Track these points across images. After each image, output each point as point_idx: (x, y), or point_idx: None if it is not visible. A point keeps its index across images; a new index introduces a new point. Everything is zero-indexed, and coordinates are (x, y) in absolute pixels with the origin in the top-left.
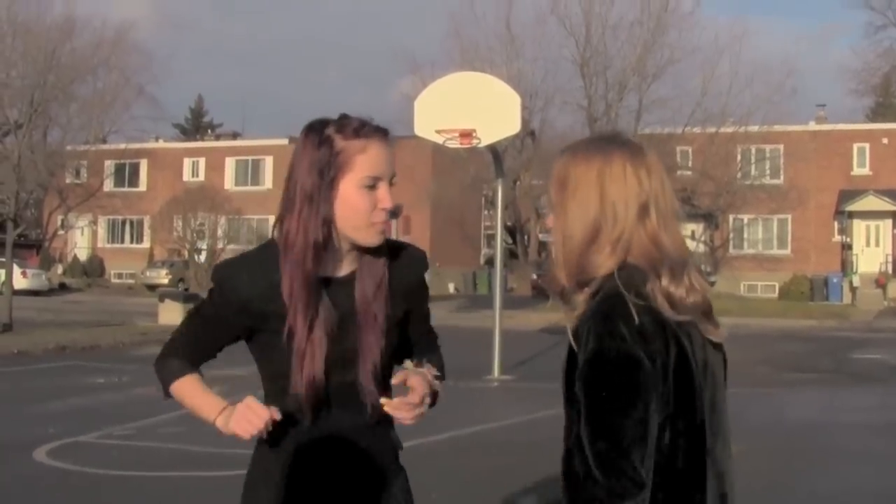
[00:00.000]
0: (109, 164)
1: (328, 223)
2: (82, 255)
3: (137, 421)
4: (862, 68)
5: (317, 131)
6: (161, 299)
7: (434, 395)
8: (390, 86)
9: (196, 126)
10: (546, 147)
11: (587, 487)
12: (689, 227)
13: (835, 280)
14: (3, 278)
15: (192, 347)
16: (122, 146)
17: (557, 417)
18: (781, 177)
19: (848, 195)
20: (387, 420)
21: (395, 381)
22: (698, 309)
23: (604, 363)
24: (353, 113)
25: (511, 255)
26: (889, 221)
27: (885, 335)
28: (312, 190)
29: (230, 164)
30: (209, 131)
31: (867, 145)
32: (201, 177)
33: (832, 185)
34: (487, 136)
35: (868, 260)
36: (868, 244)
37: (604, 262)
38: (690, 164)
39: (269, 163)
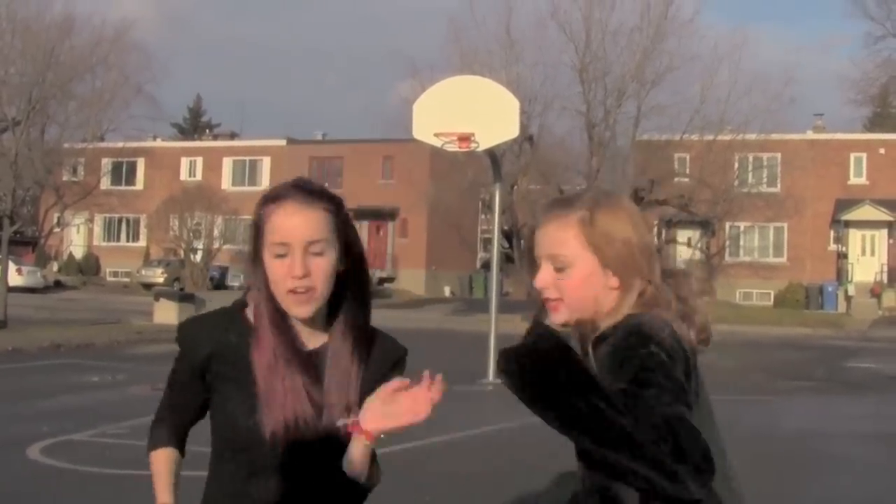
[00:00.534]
0: (106, 163)
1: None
2: (78, 252)
3: (131, 420)
4: (860, 78)
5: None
6: (156, 298)
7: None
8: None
9: (194, 126)
10: (544, 152)
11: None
12: (686, 234)
13: (830, 289)
14: None
15: (172, 413)
16: (120, 145)
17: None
18: (778, 185)
19: (844, 204)
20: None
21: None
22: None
23: (663, 363)
24: (350, 116)
25: (507, 259)
26: (885, 231)
27: (880, 345)
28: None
29: (227, 164)
30: (207, 131)
31: (864, 155)
32: (198, 176)
33: (829, 194)
34: (486, 140)
35: (863, 269)
36: (864, 253)
37: (631, 302)
38: (688, 171)
39: (266, 163)
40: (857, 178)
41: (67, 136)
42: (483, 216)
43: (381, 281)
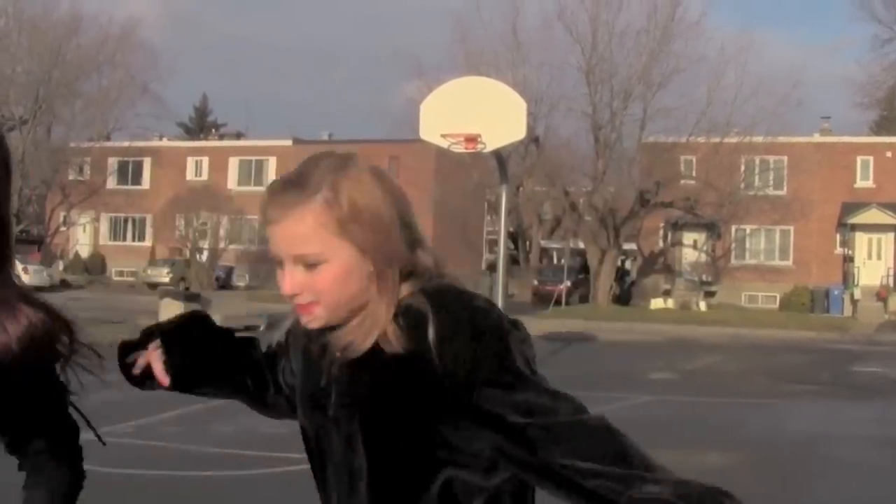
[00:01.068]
0: (113, 162)
1: None
2: (84, 252)
3: (136, 419)
4: (867, 81)
5: None
6: (161, 297)
7: None
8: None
9: (200, 125)
10: (550, 154)
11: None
12: (692, 237)
13: (836, 292)
14: None
15: None
16: (126, 144)
17: None
18: (785, 188)
19: (851, 207)
20: None
21: None
22: None
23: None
24: (356, 116)
25: (513, 260)
26: (891, 235)
27: (886, 348)
28: None
29: (234, 163)
30: (213, 131)
31: (871, 158)
32: (204, 176)
33: (835, 198)
34: (492, 141)
35: (869, 273)
36: (870, 257)
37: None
38: (694, 173)
39: (272, 163)
40: (864, 182)
41: (74, 136)
42: (488, 217)
43: None
